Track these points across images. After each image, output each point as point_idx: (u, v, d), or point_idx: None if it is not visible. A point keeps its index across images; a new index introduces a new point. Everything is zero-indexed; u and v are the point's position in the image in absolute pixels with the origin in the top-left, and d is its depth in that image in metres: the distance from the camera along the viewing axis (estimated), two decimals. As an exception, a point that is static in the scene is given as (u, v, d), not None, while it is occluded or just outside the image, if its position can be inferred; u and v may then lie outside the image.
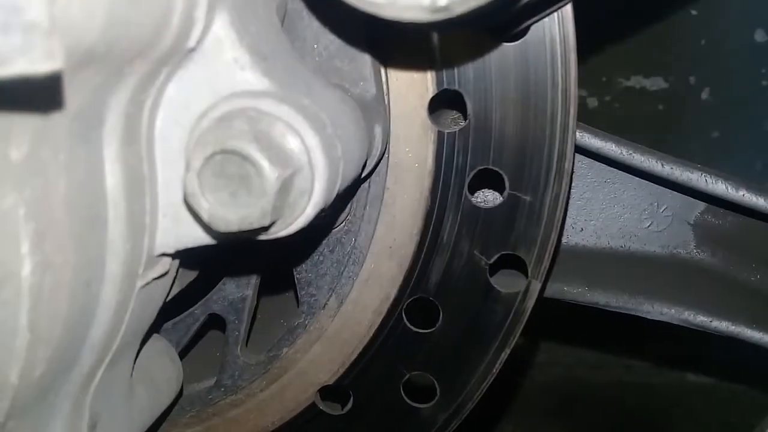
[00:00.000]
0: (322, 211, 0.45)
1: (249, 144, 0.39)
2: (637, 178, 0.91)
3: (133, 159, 0.43)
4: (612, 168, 0.91)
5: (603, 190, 0.94)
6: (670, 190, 0.93)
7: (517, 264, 0.66)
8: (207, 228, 0.44)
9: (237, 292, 0.72)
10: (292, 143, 0.41)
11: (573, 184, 0.94)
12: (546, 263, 0.65)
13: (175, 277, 0.53)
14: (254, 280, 0.71)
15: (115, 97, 0.41)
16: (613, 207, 0.94)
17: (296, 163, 0.41)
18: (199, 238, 0.46)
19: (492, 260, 0.65)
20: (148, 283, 0.47)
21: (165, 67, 0.43)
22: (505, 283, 0.66)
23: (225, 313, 0.72)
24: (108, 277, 0.43)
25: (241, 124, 0.41)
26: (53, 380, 0.44)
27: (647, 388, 1.93)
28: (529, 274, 0.65)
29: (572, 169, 0.63)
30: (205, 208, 0.40)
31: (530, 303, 0.66)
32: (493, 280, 0.66)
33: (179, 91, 0.44)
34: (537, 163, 0.63)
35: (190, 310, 0.73)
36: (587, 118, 0.84)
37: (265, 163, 0.39)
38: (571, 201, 0.95)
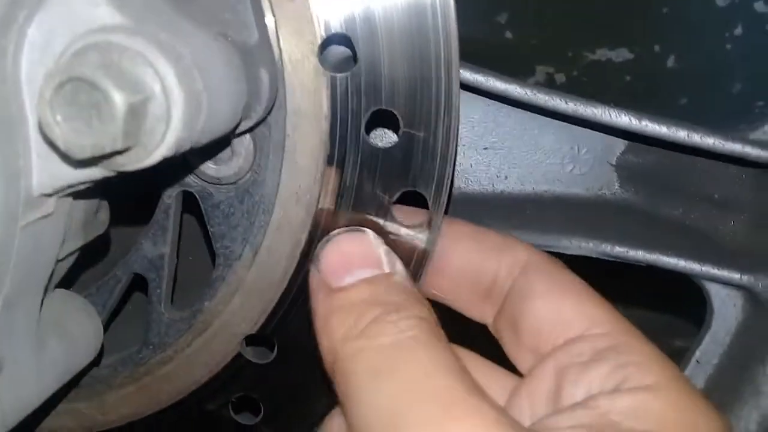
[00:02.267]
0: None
1: (95, 71, 0.42)
2: (556, 122, 0.94)
3: (0, 101, 0.45)
4: (530, 113, 0.93)
5: (523, 137, 0.96)
6: (589, 134, 0.95)
7: (418, 200, 0.68)
8: (69, 160, 0.47)
9: (154, 250, 0.74)
10: (142, 71, 0.43)
11: (494, 134, 0.97)
12: (444, 196, 0.67)
13: (68, 224, 0.55)
14: (170, 236, 0.73)
15: (-30, 38, 0.43)
16: (535, 153, 0.97)
17: (147, 90, 0.44)
18: (71, 175, 0.48)
19: (394, 198, 0.68)
20: (30, 223, 0.49)
21: (22, 10, 0.45)
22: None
23: (146, 271, 0.74)
24: (-17, 214, 0.45)
25: (93, 56, 0.43)
26: (-60, 317, 0.47)
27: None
28: (430, 207, 0.67)
29: (459, 103, 0.65)
30: (59, 136, 0.42)
31: (433, 236, 0.68)
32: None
33: (39, 33, 0.46)
34: (426, 100, 0.65)
35: (112, 272, 0.75)
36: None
37: (111, 88, 0.41)
38: (493, 150, 0.97)
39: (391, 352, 0.48)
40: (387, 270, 0.55)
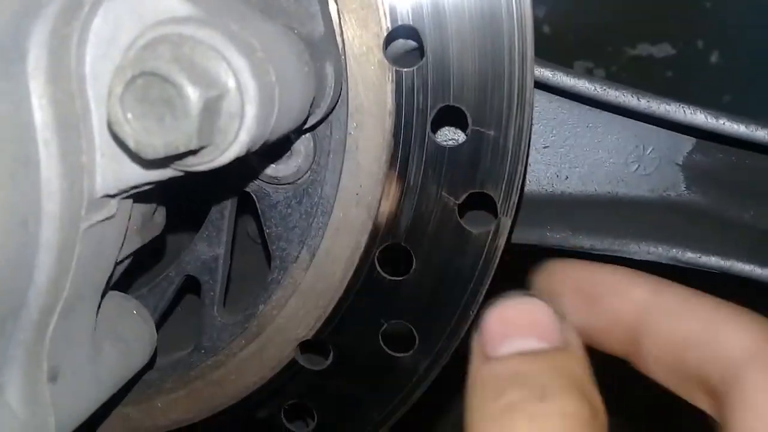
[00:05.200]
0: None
1: (168, 64, 0.39)
2: (621, 119, 0.89)
3: (63, 96, 0.43)
4: (594, 110, 0.89)
5: (586, 135, 0.92)
6: (655, 132, 0.90)
7: (485, 203, 0.64)
8: (139, 160, 0.44)
9: (209, 251, 0.71)
10: (216, 65, 0.40)
11: (555, 131, 0.92)
12: (514, 198, 0.63)
13: (127, 226, 0.53)
14: (225, 237, 0.70)
15: (36, 28, 0.40)
16: (598, 152, 0.92)
17: (222, 85, 0.41)
18: (138, 175, 0.45)
19: (460, 200, 0.64)
20: (92, 225, 0.46)
21: (87, -1, 0.42)
22: (475, 223, 0.65)
23: (199, 273, 0.72)
24: (46, 216, 0.43)
25: (164, 49, 0.40)
26: (1, 323, 0.44)
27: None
28: (499, 211, 0.64)
29: (533, 100, 0.61)
30: (130, 134, 0.39)
31: (501, 241, 0.64)
32: (462, 221, 0.65)
33: (105, 24, 0.43)
34: (498, 96, 0.61)
35: (165, 273, 0.73)
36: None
37: (185, 83, 0.38)
38: (553, 148, 0.93)
39: None
40: (552, 344, 0.45)
